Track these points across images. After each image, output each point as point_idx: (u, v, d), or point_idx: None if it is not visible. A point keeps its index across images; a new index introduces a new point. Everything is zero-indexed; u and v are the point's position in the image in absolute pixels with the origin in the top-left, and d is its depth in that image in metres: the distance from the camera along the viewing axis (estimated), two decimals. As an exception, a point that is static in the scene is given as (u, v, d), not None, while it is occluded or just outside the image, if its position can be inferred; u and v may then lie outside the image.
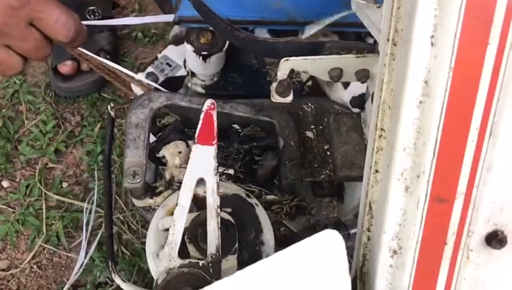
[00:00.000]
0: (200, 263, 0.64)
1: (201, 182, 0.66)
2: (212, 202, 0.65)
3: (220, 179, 0.81)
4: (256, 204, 0.74)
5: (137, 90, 0.98)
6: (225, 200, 0.72)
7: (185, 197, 0.66)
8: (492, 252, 0.57)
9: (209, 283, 0.59)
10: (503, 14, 0.47)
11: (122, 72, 0.90)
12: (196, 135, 0.66)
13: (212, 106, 0.68)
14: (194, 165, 0.66)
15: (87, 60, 0.94)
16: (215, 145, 0.67)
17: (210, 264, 0.64)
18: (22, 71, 0.65)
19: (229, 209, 0.72)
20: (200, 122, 0.67)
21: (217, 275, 0.64)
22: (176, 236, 0.65)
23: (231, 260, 0.69)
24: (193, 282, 0.62)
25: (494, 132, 0.52)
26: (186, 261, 0.64)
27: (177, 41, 1.04)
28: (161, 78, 0.97)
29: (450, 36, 0.49)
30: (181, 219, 0.65)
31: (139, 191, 0.76)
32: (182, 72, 0.98)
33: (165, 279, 0.63)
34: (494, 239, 0.56)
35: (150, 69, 0.98)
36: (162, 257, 0.65)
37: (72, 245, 1.27)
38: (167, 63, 1.00)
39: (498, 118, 0.52)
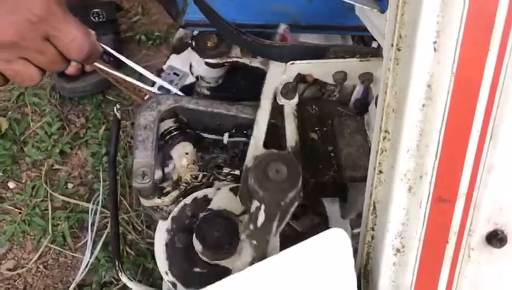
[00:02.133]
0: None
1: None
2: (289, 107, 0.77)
3: (225, 180, 0.83)
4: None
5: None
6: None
7: (266, 103, 0.77)
8: (492, 251, 0.59)
9: (294, 163, 0.65)
10: (503, 21, 0.49)
11: (141, 87, 0.92)
12: None
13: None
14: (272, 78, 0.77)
15: (105, 74, 0.95)
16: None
17: (291, 153, 0.74)
18: (39, 82, 0.66)
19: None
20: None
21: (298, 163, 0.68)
22: (260, 132, 0.75)
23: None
24: (281, 159, 0.65)
25: (494, 134, 0.54)
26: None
27: (179, 49, 1.05)
28: (173, 90, 0.98)
29: (452, 42, 0.50)
30: (263, 119, 0.76)
31: (148, 191, 0.77)
32: (190, 79, 0.99)
33: (254, 162, 0.65)
34: (495, 238, 0.58)
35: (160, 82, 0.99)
36: (249, 149, 0.74)
37: (77, 245, 1.29)
38: (174, 73, 1.01)
39: (498, 121, 0.54)
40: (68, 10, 0.63)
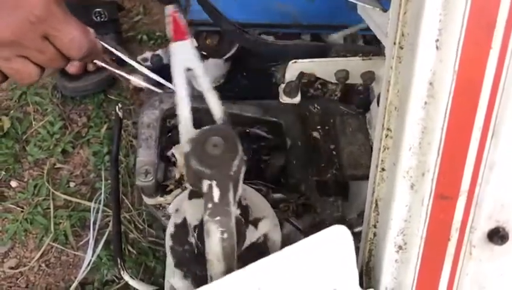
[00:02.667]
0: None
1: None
2: (206, 81, 0.74)
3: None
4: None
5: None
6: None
7: (181, 89, 0.73)
8: (494, 248, 0.59)
9: (228, 132, 0.64)
10: (505, 20, 0.50)
11: (144, 85, 0.92)
12: (171, 36, 0.73)
13: (175, 10, 0.77)
14: (177, 59, 0.73)
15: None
16: (189, 39, 0.75)
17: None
18: (38, 80, 0.67)
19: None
20: (171, 24, 0.74)
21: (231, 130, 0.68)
22: (184, 116, 0.72)
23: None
24: (214, 133, 0.64)
25: (496, 132, 0.54)
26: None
27: None
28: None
29: (454, 40, 0.51)
30: (183, 105, 0.73)
31: (151, 189, 0.78)
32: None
33: (191, 145, 0.64)
34: (496, 235, 0.58)
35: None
36: (180, 135, 0.72)
37: (79, 244, 1.29)
38: None
39: (500, 119, 0.54)
40: (67, 9, 0.64)
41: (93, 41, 0.66)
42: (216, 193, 0.62)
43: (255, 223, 0.73)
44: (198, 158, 0.62)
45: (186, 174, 0.67)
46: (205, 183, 0.62)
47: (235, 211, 0.64)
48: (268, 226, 0.73)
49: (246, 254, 0.71)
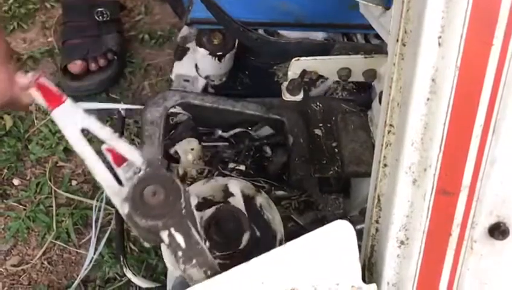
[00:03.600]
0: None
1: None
2: (105, 132, 0.68)
3: (231, 175, 0.84)
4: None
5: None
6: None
7: (86, 150, 0.68)
8: (495, 243, 0.60)
9: (161, 175, 0.59)
10: (506, 17, 0.50)
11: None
12: (46, 106, 0.68)
13: (37, 77, 0.70)
14: (66, 126, 0.68)
15: None
16: (66, 99, 0.69)
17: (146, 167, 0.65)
18: None
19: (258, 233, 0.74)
20: (39, 93, 0.68)
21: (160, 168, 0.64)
22: (104, 178, 0.66)
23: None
24: (149, 182, 0.59)
25: (497, 128, 0.55)
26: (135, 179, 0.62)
27: (179, 55, 1.05)
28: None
29: (457, 37, 0.52)
30: (96, 165, 0.67)
31: (154, 186, 0.78)
32: (202, 81, 1.00)
33: (129, 203, 0.59)
34: (497, 230, 0.59)
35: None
36: (111, 198, 0.65)
37: (81, 241, 1.29)
38: (184, 80, 1.00)
39: (501, 115, 0.55)
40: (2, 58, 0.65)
41: (16, 94, 0.68)
42: (180, 238, 0.58)
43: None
44: (144, 214, 0.56)
45: (138, 234, 0.62)
46: (164, 235, 0.58)
47: (203, 242, 0.60)
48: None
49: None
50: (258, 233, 0.72)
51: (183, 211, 0.58)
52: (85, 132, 0.69)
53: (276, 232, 0.72)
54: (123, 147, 0.67)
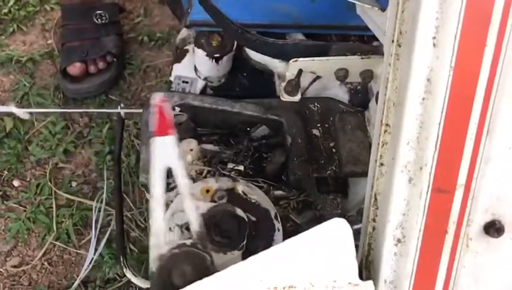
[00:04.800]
0: (188, 242, 0.65)
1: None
2: (183, 184, 0.67)
3: (229, 175, 0.85)
4: (278, 229, 0.78)
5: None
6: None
7: (158, 189, 0.67)
8: (490, 240, 0.61)
9: (202, 257, 0.62)
10: (499, 17, 0.51)
11: None
12: (153, 129, 0.67)
13: (163, 99, 0.69)
14: (158, 156, 0.67)
15: None
16: (173, 134, 0.67)
17: (198, 241, 0.65)
18: None
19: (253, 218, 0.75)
20: (156, 116, 0.67)
21: (207, 249, 0.65)
22: (157, 225, 0.67)
23: (236, 255, 0.73)
24: (187, 259, 0.63)
25: (491, 127, 0.56)
26: (174, 244, 0.65)
27: (178, 57, 1.06)
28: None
29: (451, 37, 0.52)
30: (157, 209, 0.67)
31: (154, 186, 0.79)
32: (201, 83, 1.01)
33: (159, 264, 0.64)
34: (492, 228, 0.60)
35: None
36: (151, 247, 0.66)
37: (81, 242, 1.30)
38: (183, 81, 1.01)
39: (495, 115, 0.56)
40: None
41: None
42: None
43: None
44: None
45: None
46: None
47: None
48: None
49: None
50: (253, 218, 0.73)
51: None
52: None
53: (269, 209, 0.74)
54: (187, 205, 0.68)
